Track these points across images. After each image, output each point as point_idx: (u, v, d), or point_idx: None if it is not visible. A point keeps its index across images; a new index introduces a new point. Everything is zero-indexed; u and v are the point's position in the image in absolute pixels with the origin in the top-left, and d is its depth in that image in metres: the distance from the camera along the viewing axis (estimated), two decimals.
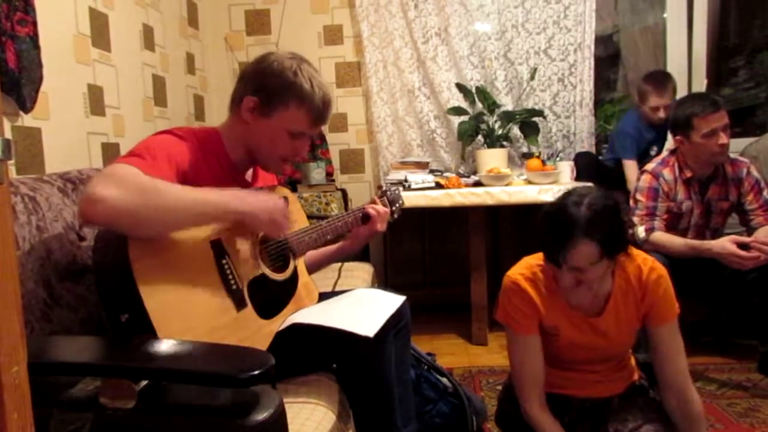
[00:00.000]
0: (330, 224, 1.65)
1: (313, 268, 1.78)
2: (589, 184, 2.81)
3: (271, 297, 1.41)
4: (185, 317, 1.18)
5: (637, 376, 1.66)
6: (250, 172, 1.57)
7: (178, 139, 1.35)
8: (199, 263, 1.24)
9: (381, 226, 1.71)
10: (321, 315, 1.41)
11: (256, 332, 1.34)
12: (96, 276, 1.18)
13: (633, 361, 1.69)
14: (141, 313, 1.10)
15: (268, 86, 1.41)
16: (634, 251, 1.56)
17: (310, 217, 1.71)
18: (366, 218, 1.71)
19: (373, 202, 1.76)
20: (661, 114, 3.05)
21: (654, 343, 1.55)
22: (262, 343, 1.35)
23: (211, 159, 1.41)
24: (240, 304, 1.31)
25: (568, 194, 1.44)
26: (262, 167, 1.56)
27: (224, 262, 1.29)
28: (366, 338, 1.32)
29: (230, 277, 1.30)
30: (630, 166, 3.15)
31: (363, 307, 1.49)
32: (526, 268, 1.57)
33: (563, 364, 1.61)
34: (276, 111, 1.42)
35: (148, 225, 1.13)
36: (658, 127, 3.17)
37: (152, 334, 1.10)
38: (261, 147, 1.47)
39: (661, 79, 3.08)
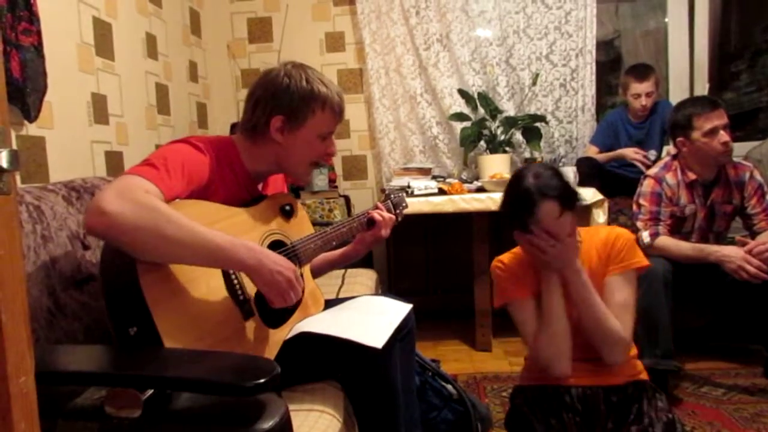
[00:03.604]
0: (335, 230, 1.64)
1: (315, 273, 1.78)
2: (592, 189, 2.83)
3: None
4: (193, 329, 1.17)
5: (644, 376, 1.66)
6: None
7: (194, 149, 1.34)
8: (206, 275, 1.24)
9: (385, 232, 1.71)
10: (329, 324, 1.40)
11: (263, 341, 1.34)
12: (103, 289, 1.18)
13: (638, 362, 1.69)
14: (149, 326, 1.10)
15: (289, 101, 1.43)
16: (601, 226, 1.73)
17: (313, 224, 1.71)
18: (371, 223, 1.71)
19: (377, 207, 1.76)
20: (643, 101, 3.12)
21: (603, 293, 1.62)
22: (270, 352, 1.35)
23: (226, 169, 1.42)
24: (247, 314, 1.31)
25: (513, 178, 1.62)
26: (292, 177, 1.60)
27: (231, 272, 1.29)
28: (374, 349, 1.32)
29: (237, 287, 1.29)
30: (588, 150, 3.31)
31: (370, 316, 1.48)
32: (509, 252, 1.75)
33: None
34: (305, 121, 1.45)
35: (147, 250, 1.11)
36: (641, 123, 3.21)
37: (160, 346, 1.10)
38: (294, 159, 1.50)
39: (641, 69, 3.16)
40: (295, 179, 1.61)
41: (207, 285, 1.24)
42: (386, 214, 1.72)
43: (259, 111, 1.44)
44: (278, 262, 1.24)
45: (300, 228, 1.59)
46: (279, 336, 1.39)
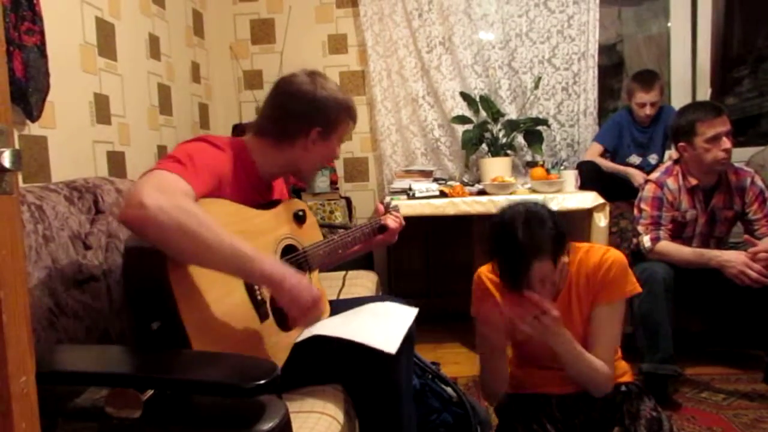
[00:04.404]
0: (342, 239, 1.70)
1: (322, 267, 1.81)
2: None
3: None
4: (215, 328, 1.19)
5: (627, 378, 1.65)
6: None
7: (216, 149, 1.38)
8: (229, 275, 1.25)
9: (395, 237, 1.86)
10: (341, 329, 1.41)
11: (276, 344, 1.35)
12: (127, 283, 1.18)
13: (623, 363, 1.68)
14: (174, 321, 1.10)
15: (327, 114, 1.51)
16: (596, 246, 1.62)
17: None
18: (383, 229, 1.83)
19: (386, 213, 1.86)
20: (647, 110, 3.11)
21: (590, 322, 1.58)
22: (282, 355, 1.36)
23: (240, 172, 1.44)
24: (263, 316, 1.33)
25: (501, 225, 1.47)
26: (304, 178, 1.69)
27: None
28: (388, 354, 1.32)
29: (256, 288, 1.32)
30: (592, 147, 3.27)
31: (381, 321, 1.50)
32: (493, 265, 1.63)
33: (534, 362, 1.65)
34: (336, 131, 1.55)
35: (178, 250, 1.12)
36: (646, 128, 3.21)
37: (182, 344, 1.10)
38: (313, 163, 1.58)
39: (647, 77, 3.13)
40: (305, 180, 1.67)
41: (228, 285, 1.26)
42: (398, 220, 1.85)
43: (298, 122, 1.50)
44: (301, 281, 1.23)
45: (310, 234, 1.64)
46: (290, 339, 1.41)
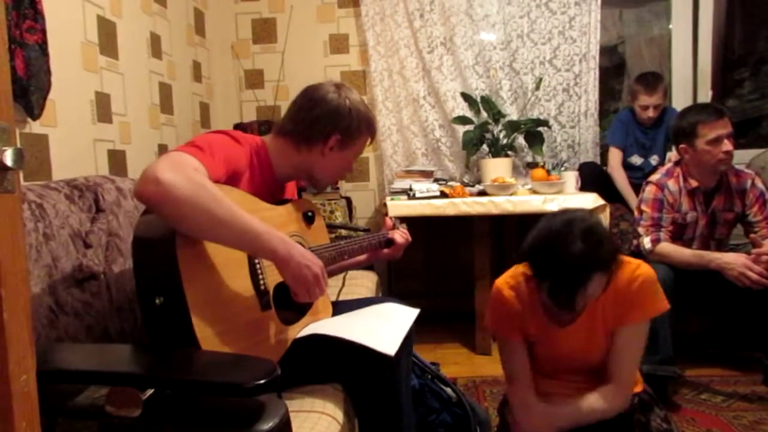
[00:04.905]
0: (349, 245, 1.71)
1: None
2: (592, 194, 2.81)
3: (291, 304, 1.43)
4: (217, 309, 1.20)
5: (638, 387, 1.62)
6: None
7: (235, 143, 1.41)
8: (235, 257, 1.27)
9: (401, 253, 1.87)
10: (341, 329, 1.42)
11: (274, 336, 1.36)
12: (135, 256, 1.19)
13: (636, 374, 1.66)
14: (177, 298, 1.12)
15: (348, 123, 1.55)
16: (626, 258, 1.53)
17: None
18: (390, 243, 1.84)
19: (394, 228, 1.88)
20: (650, 113, 3.11)
21: (613, 340, 1.52)
22: (280, 348, 1.37)
23: (255, 169, 1.48)
24: (265, 306, 1.34)
25: (554, 232, 1.36)
26: (318, 185, 1.67)
27: (256, 261, 1.33)
28: (387, 356, 1.32)
29: (260, 277, 1.34)
30: (614, 154, 3.23)
31: (382, 322, 1.51)
32: (512, 276, 1.59)
33: (547, 373, 1.63)
34: (355, 142, 1.60)
35: (191, 225, 1.15)
36: (648, 129, 3.21)
37: (184, 321, 1.12)
38: (329, 171, 1.61)
39: (651, 79, 3.12)
40: (317, 186, 1.68)
41: (235, 270, 1.28)
42: (405, 236, 1.86)
43: (319, 127, 1.53)
44: (306, 256, 1.28)
45: (317, 235, 1.66)
46: (290, 334, 1.41)
